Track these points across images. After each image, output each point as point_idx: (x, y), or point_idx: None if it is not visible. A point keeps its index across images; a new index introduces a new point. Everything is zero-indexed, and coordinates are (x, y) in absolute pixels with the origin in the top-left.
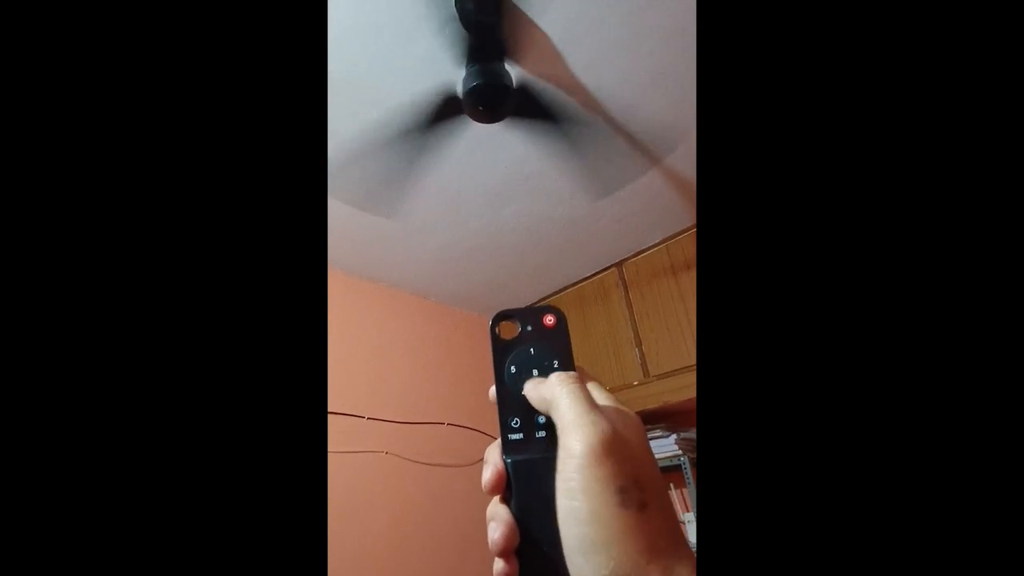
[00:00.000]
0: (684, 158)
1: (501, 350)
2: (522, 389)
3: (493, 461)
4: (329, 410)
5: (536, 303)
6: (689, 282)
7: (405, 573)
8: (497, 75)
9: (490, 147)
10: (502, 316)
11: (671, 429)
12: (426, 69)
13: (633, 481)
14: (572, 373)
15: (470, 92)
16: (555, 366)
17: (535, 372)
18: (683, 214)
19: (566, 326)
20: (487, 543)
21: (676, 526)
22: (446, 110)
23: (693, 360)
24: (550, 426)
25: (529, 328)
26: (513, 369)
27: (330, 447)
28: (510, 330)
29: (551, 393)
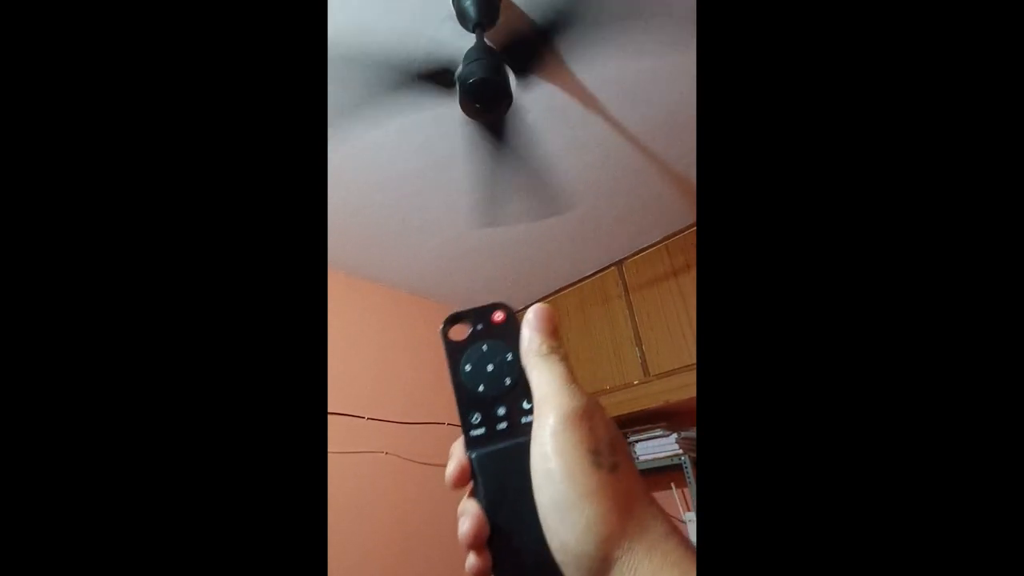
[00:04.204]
0: (684, 157)
1: (454, 351)
2: (479, 386)
3: (456, 455)
4: (329, 410)
5: (536, 303)
6: (689, 281)
7: (406, 573)
8: (498, 72)
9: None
10: (452, 319)
11: (671, 429)
12: (424, 50)
13: (607, 444)
14: (558, 347)
15: (471, 86)
16: (508, 359)
17: (490, 368)
18: (683, 213)
19: (516, 319)
20: None
21: (646, 489)
22: (436, 77)
23: (693, 359)
24: (510, 416)
25: (480, 327)
26: (468, 368)
27: (330, 447)
28: (461, 331)
29: (532, 362)
